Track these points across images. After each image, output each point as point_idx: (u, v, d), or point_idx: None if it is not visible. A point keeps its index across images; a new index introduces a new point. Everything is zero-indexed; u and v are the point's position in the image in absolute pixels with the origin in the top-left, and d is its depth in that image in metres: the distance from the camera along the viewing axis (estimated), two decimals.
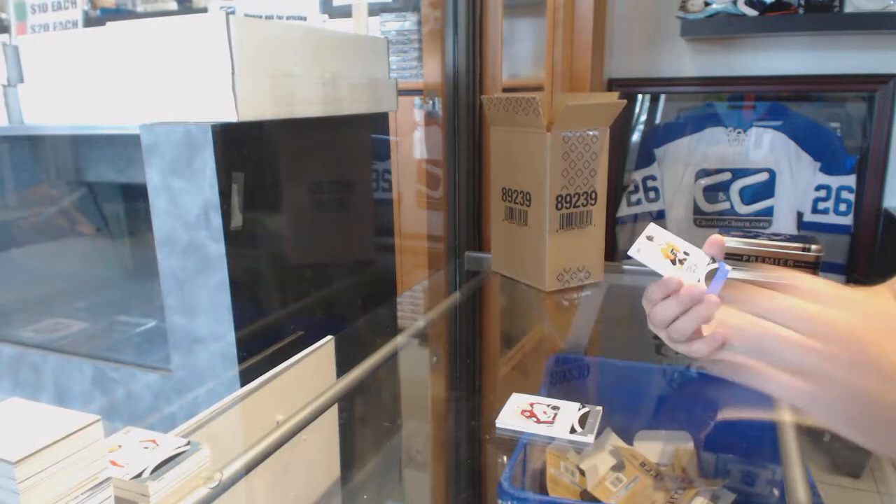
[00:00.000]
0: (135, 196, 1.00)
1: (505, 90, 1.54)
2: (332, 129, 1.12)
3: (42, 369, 1.12)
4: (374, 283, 1.30)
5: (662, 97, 1.70)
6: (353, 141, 1.22)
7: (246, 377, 0.88)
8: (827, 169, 1.57)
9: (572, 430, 0.68)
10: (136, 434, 0.71)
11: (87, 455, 0.60)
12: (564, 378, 0.83)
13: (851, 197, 1.54)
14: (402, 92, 1.51)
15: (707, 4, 1.49)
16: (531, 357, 1.08)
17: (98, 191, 1.30)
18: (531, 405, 0.73)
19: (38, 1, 1.14)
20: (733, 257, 1.34)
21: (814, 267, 1.29)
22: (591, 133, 1.22)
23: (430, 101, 1.68)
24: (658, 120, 1.71)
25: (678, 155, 1.69)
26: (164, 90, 0.91)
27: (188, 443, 0.70)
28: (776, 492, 0.66)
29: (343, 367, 1.01)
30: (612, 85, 1.68)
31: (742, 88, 1.62)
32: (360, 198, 1.23)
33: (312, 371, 0.95)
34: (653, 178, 1.71)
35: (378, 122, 1.29)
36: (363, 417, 0.92)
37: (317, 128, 1.07)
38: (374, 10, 1.73)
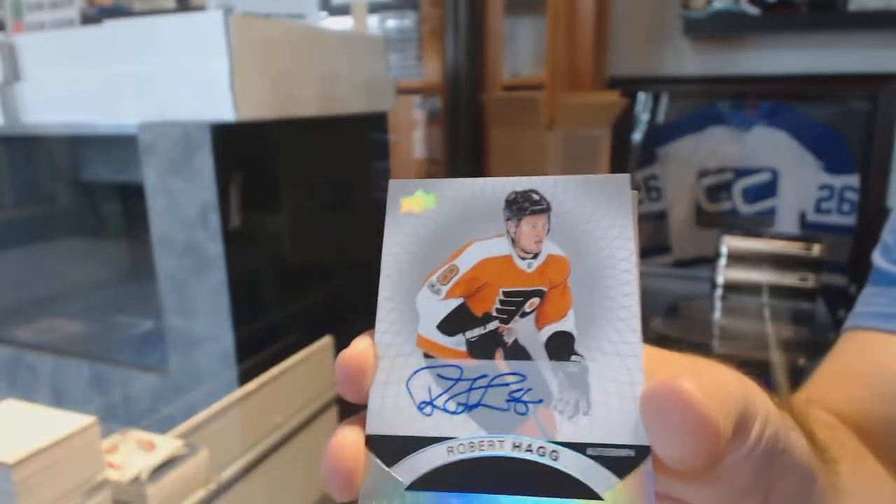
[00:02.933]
0: (132, 196, 1.00)
1: (506, 89, 1.54)
2: (330, 128, 1.11)
3: (39, 370, 1.11)
4: (374, 283, 1.29)
5: (664, 96, 1.69)
6: (352, 140, 1.21)
7: (244, 378, 0.88)
8: (830, 168, 1.56)
9: None
10: (133, 436, 0.70)
11: (85, 457, 0.59)
12: None
13: (855, 196, 1.54)
14: (402, 91, 1.50)
15: (709, 2, 1.48)
16: None
17: (95, 190, 1.30)
18: None
19: None
20: (736, 258, 1.33)
21: (817, 266, 1.28)
22: (592, 132, 1.21)
23: (430, 100, 1.67)
24: (660, 119, 1.70)
25: (680, 154, 1.68)
26: (161, 89, 0.91)
27: (186, 445, 0.69)
28: None
29: None
30: (614, 84, 1.67)
31: (745, 87, 1.61)
32: (358, 197, 1.22)
33: (312, 371, 0.95)
34: (654, 177, 1.70)
35: (376, 122, 1.28)
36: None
37: (315, 127, 1.06)
38: (372, 8, 1.72)
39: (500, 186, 0.20)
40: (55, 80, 1.01)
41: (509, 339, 0.19)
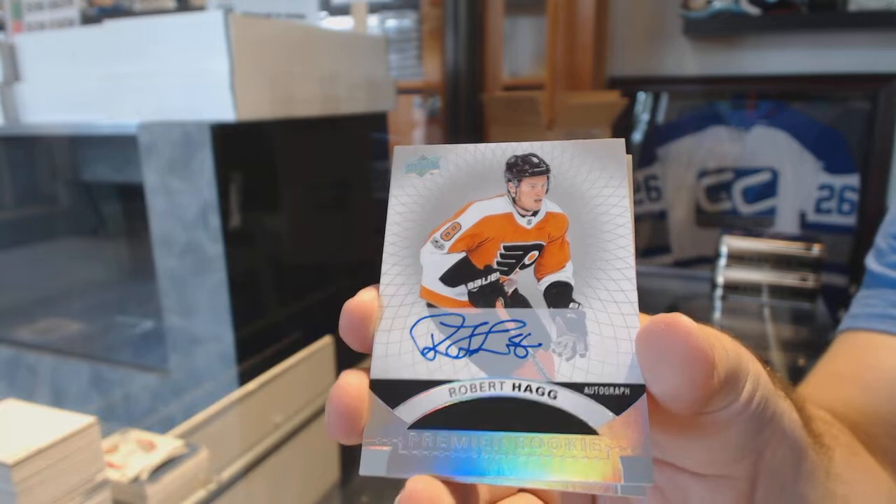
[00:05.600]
0: (132, 196, 1.00)
1: (505, 89, 1.54)
2: (330, 128, 1.11)
3: (39, 370, 1.11)
4: (374, 283, 1.29)
5: (665, 96, 1.69)
6: (352, 140, 1.21)
7: (244, 378, 0.88)
8: (830, 168, 1.56)
9: None
10: (133, 435, 0.71)
11: (84, 457, 0.59)
12: None
13: (855, 197, 1.54)
14: (402, 91, 1.50)
15: (709, 2, 1.48)
16: None
17: (95, 190, 1.30)
18: None
19: None
20: (736, 258, 1.33)
21: (817, 266, 1.28)
22: (592, 132, 1.21)
23: (430, 100, 1.67)
24: (660, 119, 1.70)
25: (680, 154, 1.68)
26: (161, 89, 0.91)
27: (186, 445, 0.69)
28: None
29: (343, 367, 1.01)
30: (614, 84, 1.67)
31: (745, 87, 1.61)
32: (358, 197, 1.22)
33: (311, 372, 0.95)
34: (654, 177, 1.70)
35: (377, 122, 1.28)
36: None
37: (315, 127, 1.06)
38: (372, 8, 1.72)
39: (500, 151, 0.21)
40: (55, 80, 1.01)
41: (509, 289, 0.19)
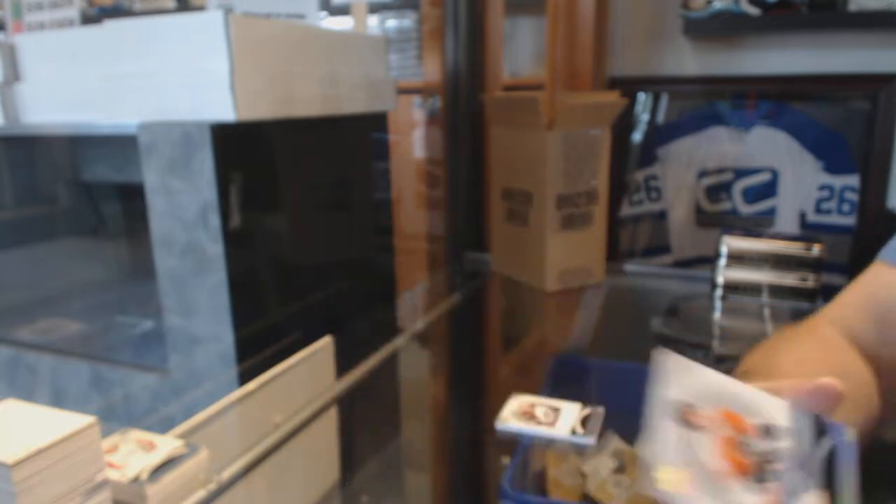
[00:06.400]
0: (132, 196, 1.00)
1: (505, 89, 1.54)
2: (330, 128, 1.11)
3: (39, 370, 1.11)
4: (374, 284, 1.29)
5: (665, 96, 1.69)
6: (352, 140, 1.21)
7: (244, 378, 0.88)
8: (830, 169, 1.56)
9: (573, 432, 0.68)
10: (133, 436, 0.70)
11: (84, 457, 0.59)
12: (565, 379, 0.82)
13: (855, 197, 1.53)
14: (402, 91, 1.50)
15: (709, 2, 1.48)
16: (532, 358, 1.07)
17: (95, 190, 1.30)
18: (532, 406, 0.73)
19: None
20: (736, 258, 1.33)
21: (817, 267, 1.28)
22: (592, 132, 1.21)
23: (430, 100, 1.67)
24: (660, 119, 1.70)
25: (680, 154, 1.68)
26: (161, 89, 0.91)
27: (186, 445, 0.69)
28: None
29: (342, 367, 1.01)
30: (614, 84, 1.67)
31: (745, 87, 1.61)
32: (359, 197, 1.22)
33: (311, 372, 0.95)
34: (654, 177, 1.70)
35: (377, 122, 1.28)
36: (363, 419, 0.92)
37: (315, 127, 1.06)
38: (372, 8, 1.72)
39: None
40: (55, 80, 1.01)
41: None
